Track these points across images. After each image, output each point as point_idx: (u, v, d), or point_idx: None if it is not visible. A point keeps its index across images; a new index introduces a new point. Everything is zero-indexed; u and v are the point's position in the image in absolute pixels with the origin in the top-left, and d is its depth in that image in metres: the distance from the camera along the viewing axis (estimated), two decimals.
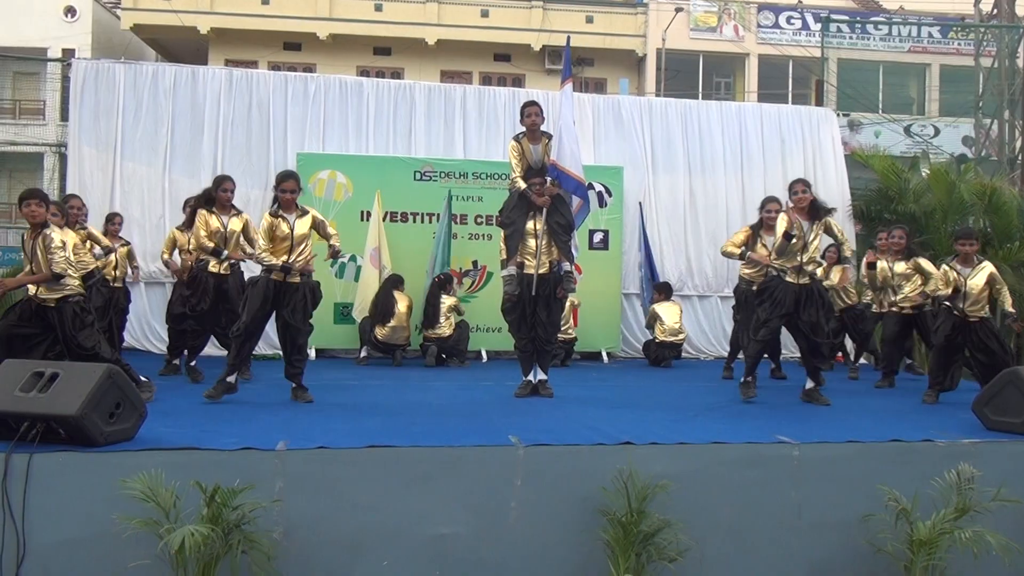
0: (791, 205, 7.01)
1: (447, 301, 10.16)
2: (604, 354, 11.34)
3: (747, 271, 8.69)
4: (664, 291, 11.00)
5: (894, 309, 8.68)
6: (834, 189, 12.37)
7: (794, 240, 6.84)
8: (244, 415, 5.95)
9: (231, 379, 6.61)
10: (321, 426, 5.48)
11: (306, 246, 6.66)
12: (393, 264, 10.48)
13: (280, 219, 6.62)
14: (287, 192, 6.59)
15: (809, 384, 7.21)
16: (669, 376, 9.72)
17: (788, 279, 6.97)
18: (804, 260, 6.95)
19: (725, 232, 11.46)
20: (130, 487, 4.03)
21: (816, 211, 6.98)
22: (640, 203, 11.82)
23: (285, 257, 6.57)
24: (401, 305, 10.01)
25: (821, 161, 12.53)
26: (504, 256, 7.16)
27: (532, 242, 7.08)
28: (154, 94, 10.95)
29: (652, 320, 10.80)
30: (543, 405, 6.81)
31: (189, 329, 7.98)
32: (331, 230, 6.87)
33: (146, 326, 10.74)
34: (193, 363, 8.03)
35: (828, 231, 7.05)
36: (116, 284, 8.79)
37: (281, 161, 11.03)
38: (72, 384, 4.53)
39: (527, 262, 7.10)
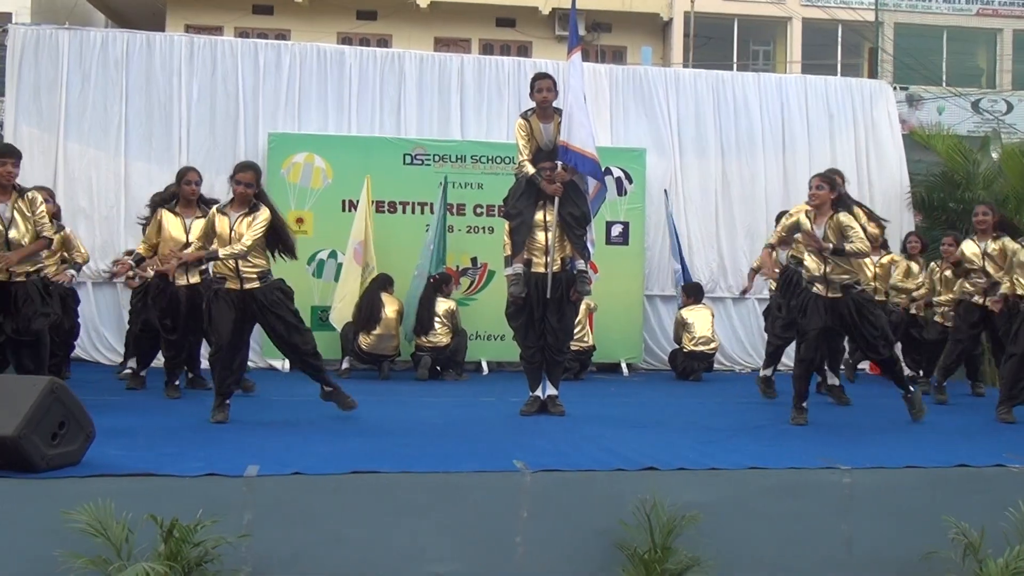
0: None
1: (443, 305, 10.15)
2: (624, 366, 11.34)
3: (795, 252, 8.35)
4: (693, 294, 11.00)
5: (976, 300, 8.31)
6: (890, 174, 12.37)
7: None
8: (209, 436, 5.95)
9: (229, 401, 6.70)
10: (297, 449, 5.47)
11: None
12: (378, 262, 10.47)
13: (223, 215, 6.62)
14: (241, 184, 6.58)
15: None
16: (699, 391, 9.71)
17: (817, 290, 6.95)
18: (828, 270, 6.88)
19: (764, 225, 11.46)
20: (75, 519, 4.03)
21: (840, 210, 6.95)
22: (665, 191, 11.82)
23: (232, 262, 6.50)
24: (389, 310, 9.99)
25: (876, 142, 12.53)
26: (509, 252, 7.16)
27: (541, 236, 7.08)
28: (104, 65, 10.98)
29: (679, 327, 10.79)
30: (553, 425, 6.80)
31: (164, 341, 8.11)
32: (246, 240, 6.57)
33: (93, 333, 10.75)
34: (191, 376, 8.44)
35: (840, 230, 6.84)
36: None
37: (251, 143, 11.06)
38: (8, 400, 4.52)
39: (535, 259, 7.09)
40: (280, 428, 6.41)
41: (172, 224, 7.72)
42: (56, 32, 11.09)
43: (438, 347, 10.07)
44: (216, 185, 10.84)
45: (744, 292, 10.59)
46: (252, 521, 4.46)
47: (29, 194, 6.32)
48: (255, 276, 6.58)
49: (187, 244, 7.51)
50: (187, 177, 7.85)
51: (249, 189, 6.59)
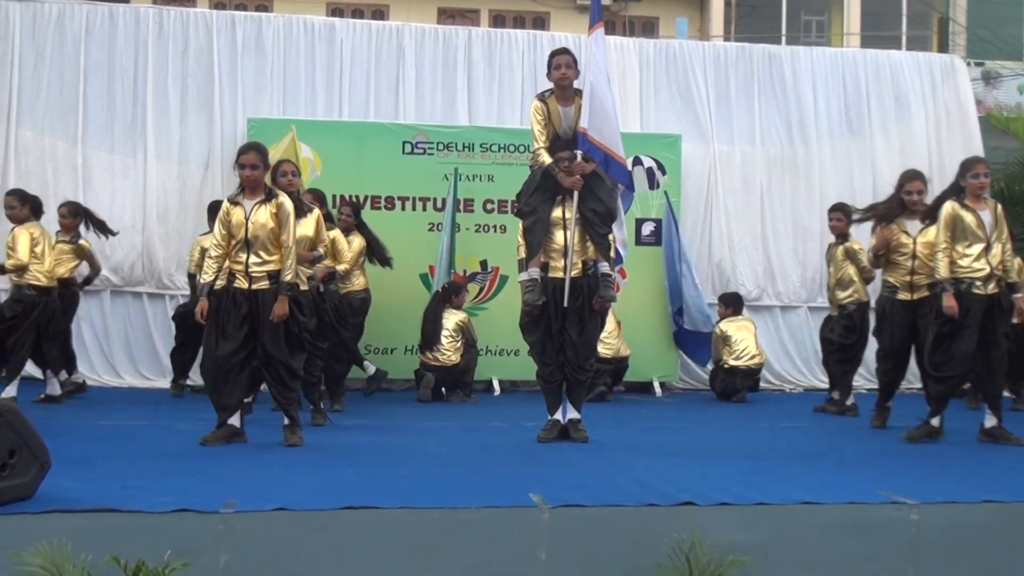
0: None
1: (454, 318, 10.17)
2: (657, 385, 11.33)
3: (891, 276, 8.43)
4: (732, 303, 10.99)
5: None
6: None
7: None
8: (180, 465, 5.96)
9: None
10: (281, 480, 5.48)
11: (273, 245, 6.77)
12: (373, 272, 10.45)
13: (236, 205, 6.79)
14: (245, 168, 6.74)
15: (989, 421, 7.40)
16: (743, 414, 9.70)
17: (900, 297, 7.02)
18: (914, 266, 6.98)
19: (819, 222, 11.44)
20: (26, 560, 4.04)
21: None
22: (666, 192, 11.47)
23: (243, 257, 6.69)
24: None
25: (947, 125, 12.53)
26: (523, 255, 7.16)
27: (560, 235, 7.08)
28: (60, 43, 11.04)
29: (718, 342, 10.78)
30: (575, 453, 6.79)
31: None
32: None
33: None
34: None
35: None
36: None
37: (229, 130, 11.13)
38: None
39: (553, 262, 7.10)
40: (261, 457, 6.42)
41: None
42: (5, 4, 11.14)
43: (445, 366, 10.09)
44: (188, 179, 10.97)
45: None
46: (229, 563, 4.46)
47: None
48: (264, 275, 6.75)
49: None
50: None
51: (255, 171, 6.74)
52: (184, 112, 11.20)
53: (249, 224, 6.71)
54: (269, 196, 6.80)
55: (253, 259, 6.71)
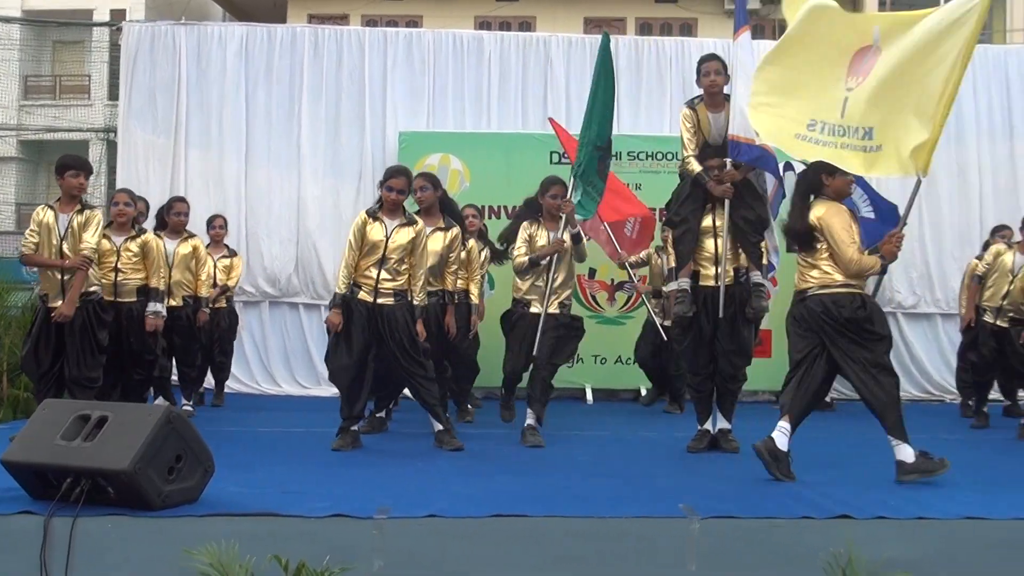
0: None
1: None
2: None
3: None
4: None
5: None
6: None
7: None
8: (336, 472, 6.13)
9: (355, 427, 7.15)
10: (433, 488, 5.57)
11: (404, 264, 7.00)
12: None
13: (376, 221, 6.98)
14: (393, 191, 7.00)
15: None
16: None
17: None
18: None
19: (979, 227, 11.05)
20: (197, 559, 4.19)
21: None
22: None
23: (375, 272, 6.93)
24: None
25: None
26: (673, 264, 7.12)
27: (710, 243, 7.03)
28: (221, 62, 11.46)
29: None
30: (726, 463, 6.72)
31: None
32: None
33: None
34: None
35: None
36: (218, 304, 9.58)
37: (379, 143, 11.35)
38: (123, 431, 4.74)
39: (703, 270, 7.04)
40: (413, 465, 6.53)
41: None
42: (172, 28, 11.62)
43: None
44: (342, 193, 11.24)
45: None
46: (384, 568, 4.54)
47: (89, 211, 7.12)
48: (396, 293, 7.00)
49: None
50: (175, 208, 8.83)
51: (401, 196, 7.03)
52: (337, 127, 11.46)
53: (390, 242, 6.94)
54: (410, 222, 7.07)
55: (384, 275, 6.94)
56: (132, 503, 4.65)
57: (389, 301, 6.95)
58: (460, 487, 5.63)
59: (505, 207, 10.80)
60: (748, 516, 4.88)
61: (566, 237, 7.45)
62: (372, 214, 7.04)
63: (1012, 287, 8.82)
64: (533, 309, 7.52)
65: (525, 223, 7.67)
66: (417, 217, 7.27)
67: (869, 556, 4.50)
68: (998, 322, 8.85)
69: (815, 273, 6.06)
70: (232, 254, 9.93)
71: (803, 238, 6.04)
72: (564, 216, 7.46)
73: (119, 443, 4.67)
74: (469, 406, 9.09)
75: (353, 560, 4.40)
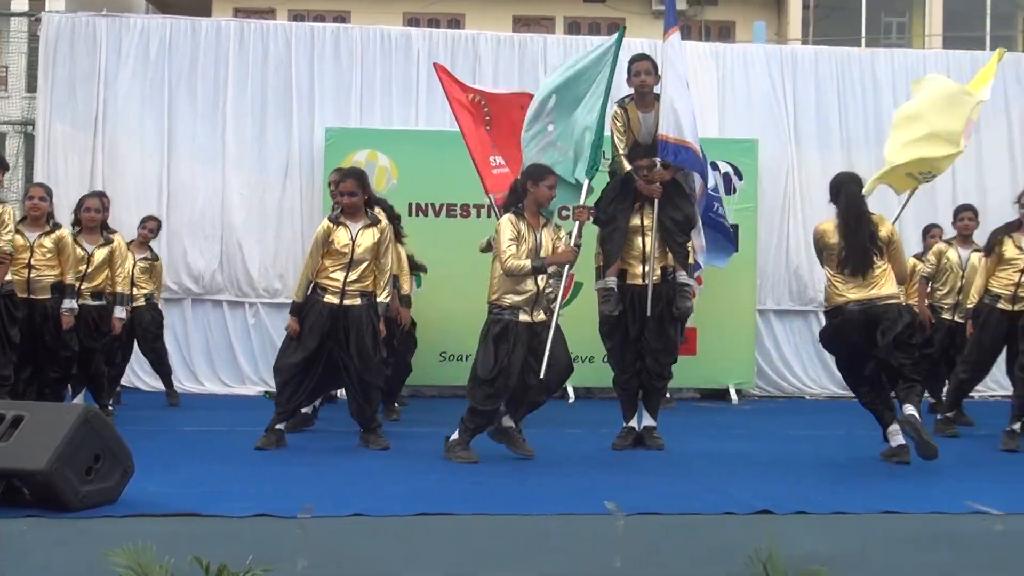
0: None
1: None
2: (733, 392, 11.21)
3: (997, 284, 8.07)
4: None
5: None
6: None
7: None
8: (259, 471, 6.07)
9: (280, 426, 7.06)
10: (358, 487, 5.55)
11: (372, 265, 7.01)
12: (450, 279, 10.49)
13: (340, 226, 6.96)
14: (345, 196, 6.97)
15: None
16: (820, 421, 9.57)
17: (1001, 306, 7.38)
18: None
19: (907, 229, 11.26)
20: (113, 561, 4.12)
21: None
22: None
23: (342, 276, 6.91)
24: None
25: None
26: (600, 262, 7.16)
27: (639, 241, 7.08)
28: (144, 55, 11.28)
29: None
30: (651, 460, 6.76)
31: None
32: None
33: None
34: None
35: None
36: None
37: (306, 139, 11.25)
38: (40, 430, 4.65)
39: (631, 268, 7.08)
40: (338, 463, 6.49)
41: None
42: (93, 20, 11.40)
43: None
44: (267, 189, 11.12)
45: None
46: (308, 568, 4.51)
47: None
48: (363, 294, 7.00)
49: None
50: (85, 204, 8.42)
51: (354, 198, 6.97)
52: (263, 122, 11.34)
53: (356, 247, 6.92)
54: (373, 222, 7.03)
55: (351, 277, 6.91)
56: (49, 504, 4.58)
57: (356, 302, 6.94)
58: (386, 485, 5.62)
59: (433, 204, 10.82)
60: (672, 512, 4.93)
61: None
62: (335, 220, 7.00)
63: (964, 281, 8.92)
64: (523, 318, 6.60)
65: (509, 217, 6.63)
66: (380, 216, 7.18)
67: (790, 551, 4.55)
68: (956, 318, 9.02)
69: None
70: (155, 259, 9.74)
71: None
72: (577, 223, 7.00)
73: (35, 443, 4.60)
74: (396, 404, 9.07)
75: (276, 560, 4.35)
